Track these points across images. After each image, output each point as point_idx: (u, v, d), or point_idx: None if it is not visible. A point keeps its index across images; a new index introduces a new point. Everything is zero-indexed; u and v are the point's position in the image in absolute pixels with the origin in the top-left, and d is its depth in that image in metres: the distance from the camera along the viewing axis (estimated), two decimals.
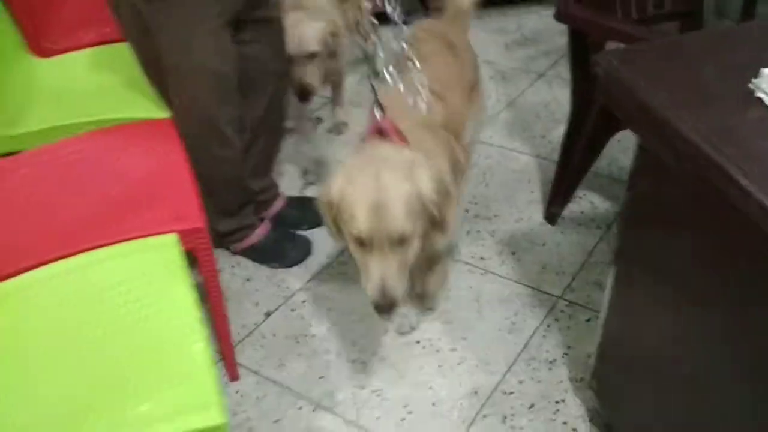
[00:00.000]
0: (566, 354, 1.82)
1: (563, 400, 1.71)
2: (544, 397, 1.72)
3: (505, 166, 2.51)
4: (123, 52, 1.89)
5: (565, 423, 1.66)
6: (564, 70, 2.74)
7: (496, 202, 2.35)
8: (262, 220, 2.18)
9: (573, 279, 2.04)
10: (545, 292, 2.00)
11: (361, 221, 1.34)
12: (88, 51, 2.17)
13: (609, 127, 2.09)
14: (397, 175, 1.38)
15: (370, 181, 1.36)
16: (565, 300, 1.98)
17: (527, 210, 2.32)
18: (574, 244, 2.16)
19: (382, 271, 1.35)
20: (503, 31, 3.38)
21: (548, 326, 1.90)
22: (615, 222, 2.22)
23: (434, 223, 1.45)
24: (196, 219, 1.53)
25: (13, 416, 1.13)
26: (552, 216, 2.24)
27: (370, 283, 1.37)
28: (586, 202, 2.33)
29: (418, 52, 1.64)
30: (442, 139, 1.66)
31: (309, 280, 2.09)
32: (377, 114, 1.54)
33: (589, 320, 1.91)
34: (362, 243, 1.37)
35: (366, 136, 1.61)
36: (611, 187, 2.37)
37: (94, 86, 2.02)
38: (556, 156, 2.24)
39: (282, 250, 2.16)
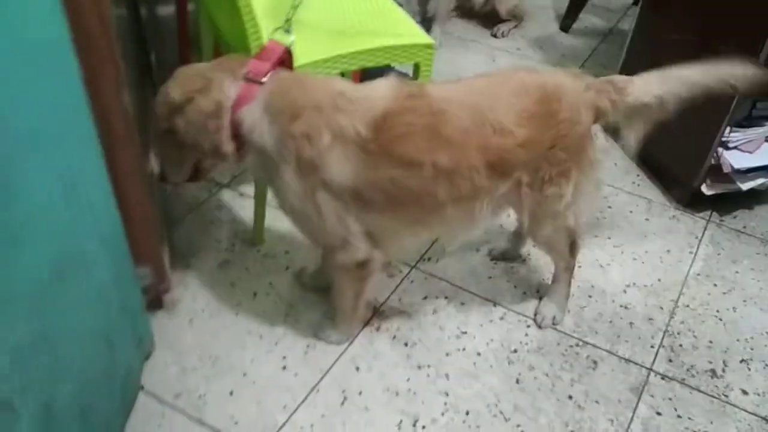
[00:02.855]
0: None
1: None
2: None
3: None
4: None
5: None
6: None
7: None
8: None
9: (584, 61, 2.89)
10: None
11: None
12: None
13: None
14: (186, 75, 1.42)
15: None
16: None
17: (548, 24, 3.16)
18: (583, 44, 3.00)
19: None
20: None
21: None
22: (609, 34, 3.08)
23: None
24: None
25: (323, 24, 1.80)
26: (566, 26, 3.07)
27: None
28: (588, 20, 3.18)
29: None
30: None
31: None
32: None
33: None
34: None
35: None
36: (605, 13, 3.23)
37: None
38: None
39: None
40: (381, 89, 1.41)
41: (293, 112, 1.35)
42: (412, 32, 1.85)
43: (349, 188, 1.39)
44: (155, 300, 1.70)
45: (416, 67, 1.85)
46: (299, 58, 1.65)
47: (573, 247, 1.72)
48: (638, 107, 1.56)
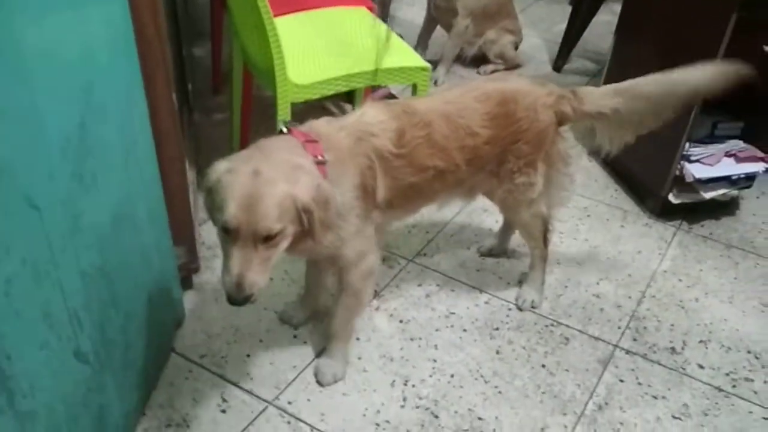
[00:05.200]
0: None
1: None
2: None
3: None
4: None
5: None
6: None
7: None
8: None
9: None
10: None
11: (229, 212, 1.31)
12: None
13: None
14: (277, 173, 1.35)
15: (248, 173, 1.33)
16: None
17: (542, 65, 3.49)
18: (572, 82, 3.31)
19: (242, 265, 1.33)
20: None
21: None
22: (598, 74, 3.40)
23: (306, 230, 1.41)
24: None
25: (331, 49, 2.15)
26: (558, 67, 3.40)
27: (227, 275, 1.35)
28: (580, 63, 3.51)
29: None
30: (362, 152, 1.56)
31: None
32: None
33: None
34: (228, 232, 1.34)
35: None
36: (597, 57, 3.55)
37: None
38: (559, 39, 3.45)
39: None
40: (380, 112, 1.64)
41: (349, 154, 1.55)
42: (410, 57, 2.18)
43: (387, 199, 1.66)
44: (187, 278, 1.99)
45: (414, 88, 2.17)
46: (309, 77, 1.98)
47: (546, 236, 1.98)
48: (596, 116, 1.83)
